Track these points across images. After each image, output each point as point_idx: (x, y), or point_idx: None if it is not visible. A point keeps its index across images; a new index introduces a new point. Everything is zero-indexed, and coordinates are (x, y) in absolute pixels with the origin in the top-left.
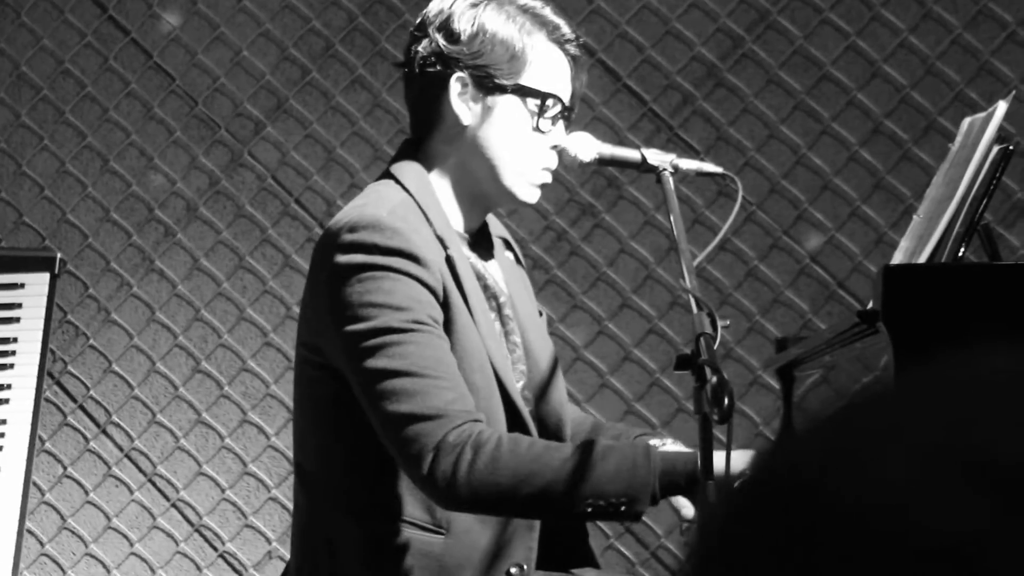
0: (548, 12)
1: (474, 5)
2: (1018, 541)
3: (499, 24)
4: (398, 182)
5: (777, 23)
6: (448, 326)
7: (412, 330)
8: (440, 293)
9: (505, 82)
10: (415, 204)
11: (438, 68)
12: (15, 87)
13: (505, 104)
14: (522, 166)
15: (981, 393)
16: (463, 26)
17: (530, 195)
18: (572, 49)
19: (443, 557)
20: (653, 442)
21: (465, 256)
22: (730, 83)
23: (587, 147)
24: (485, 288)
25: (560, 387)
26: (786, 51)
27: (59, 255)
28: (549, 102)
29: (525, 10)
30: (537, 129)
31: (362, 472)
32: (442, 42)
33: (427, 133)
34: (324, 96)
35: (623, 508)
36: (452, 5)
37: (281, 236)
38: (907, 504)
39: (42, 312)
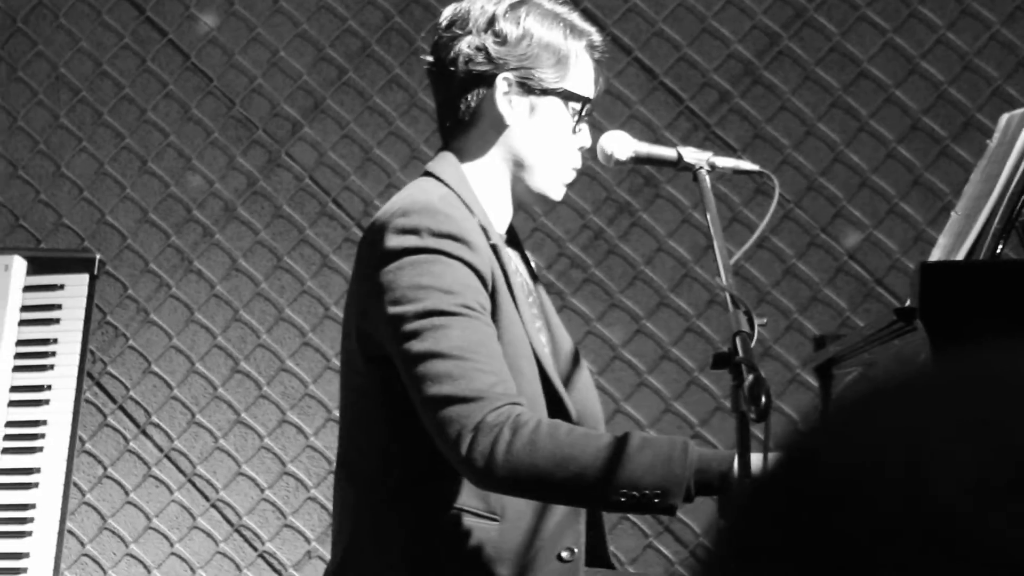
0: (580, 20)
1: (515, 7)
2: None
3: (544, 29)
4: (437, 178)
5: (814, 20)
6: (495, 313)
7: (458, 314)
8: (488, 280)
9: (552, 85)
10: (457, 197)
11: (485, 67)
12: (53, 89)
13: (548, 105)
14: (558, 166)
15: (1007, 386)
16: (509, 28)
17: (560, 194)
18: (599, 56)
19: (498, 543)
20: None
21: (506, 248)
22: (767, 80)
23: (624, 145)
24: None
25: (590, 385)
26: (823, 48)
27: (98, 256)
28: (585, 108)
29: (562, 17)
30: (573, 131)
31: (415, 463)
32: (489, 42)
33: (462, 131)
34: (361, 96)
35: (656, 500)
36: (494, 7)
37: (319, 236)
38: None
39: (81, 313)
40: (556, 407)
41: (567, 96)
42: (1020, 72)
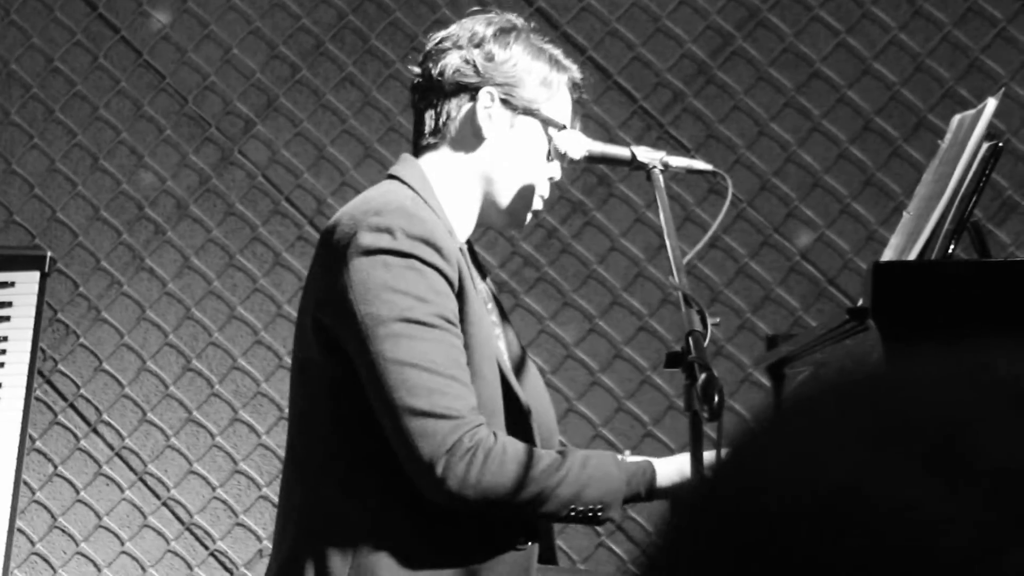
0: (563, 56)
1: (505, 32)
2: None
3: (530, 57)
4: (402, 182)
5: (767, 20)
6: (462, 313)
7: (433, 325)
8: (456, 285)
9: (532, 106)
10: (423, 201)
11: (471, 79)
12: (5, 85)
13: (527, 126)
14: (528, 188)
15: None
16: (498, 50)
17: (523, 223)
18: (578, 95)
19: (452, 534)
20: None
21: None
22: (720, 80)
23: (577, 144)
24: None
25: (541, 387)
26: (776, 48)
27: (49, 254)
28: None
29: (548, 51)
30: (548, 157)
31: (366, 457)
32: (479, 58)
33: (438, 141)
34: (314, 94)
35: (600, 514)
36: (484, 30)
37: (271, 234)
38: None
39: (32, 311)
40: (514, 409)
41: (546, 121)
42: (972, 73)
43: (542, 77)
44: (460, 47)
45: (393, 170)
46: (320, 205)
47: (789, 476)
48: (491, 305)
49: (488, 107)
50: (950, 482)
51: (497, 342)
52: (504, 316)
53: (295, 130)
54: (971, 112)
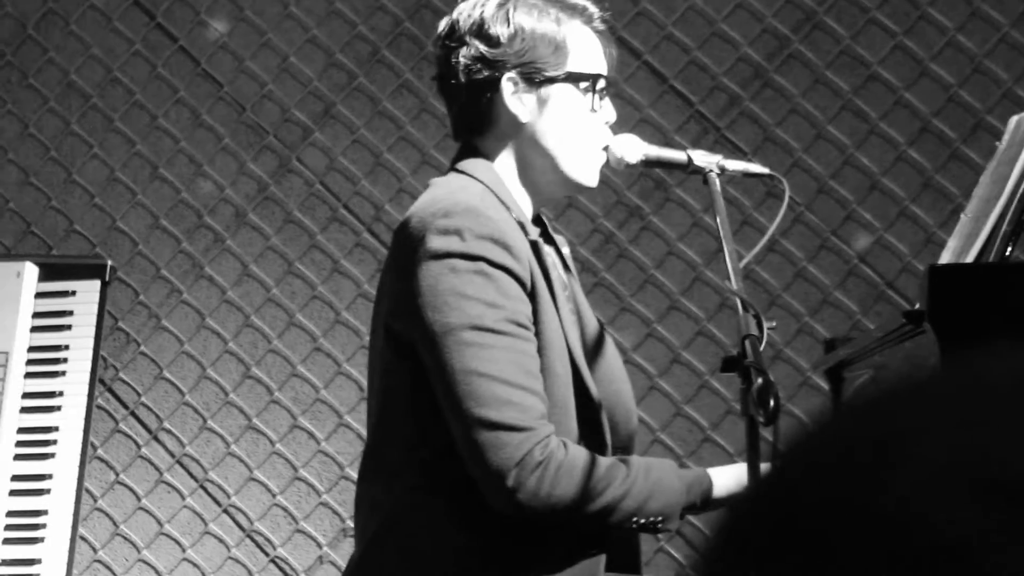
0: None
1: (502, 5)
2: (1014, 548)
3: (534, 21)
4: (470, 175)
5: (823, 23)
6: (534, 312)
7: (504, 332)
8: (528, 284)
9: (555, 72)
10: (493, 194)
11: (485, 73)
12: (65, 95)
13: (558, 93)
14: (584, 148)
15: (997, 403)
16: (499, 29)
17: (594, 178)
18: (600, 26)
19: (529, 542)
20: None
21: (543, 243)
22: (777, 83)
23: (633, 149)
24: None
25: (619, 368)
26: (833, 51)
27: (109, 262)
28: (599, 82)
29: (548, 4)
30: (592, 109)
31: (442, 458)
32: (483, 48)
33: (479, 136)
34: (371, 101)
35: (659, 525)
36: (482, 10)
37: (329, 241)
38: (914, 512)
39: (93, 319)
40: (585, 405)
41: (574, 78)
42: None
43: (552, 40)
44: (464, 42)
45: (460, 164)
46: (378, 212)
47: (845, 490)
48: (567, 290)
49: (514, 92)
50: (994, 510)
51: (573, 329)
52: (575, 300)
53: (352, 137)
54: None
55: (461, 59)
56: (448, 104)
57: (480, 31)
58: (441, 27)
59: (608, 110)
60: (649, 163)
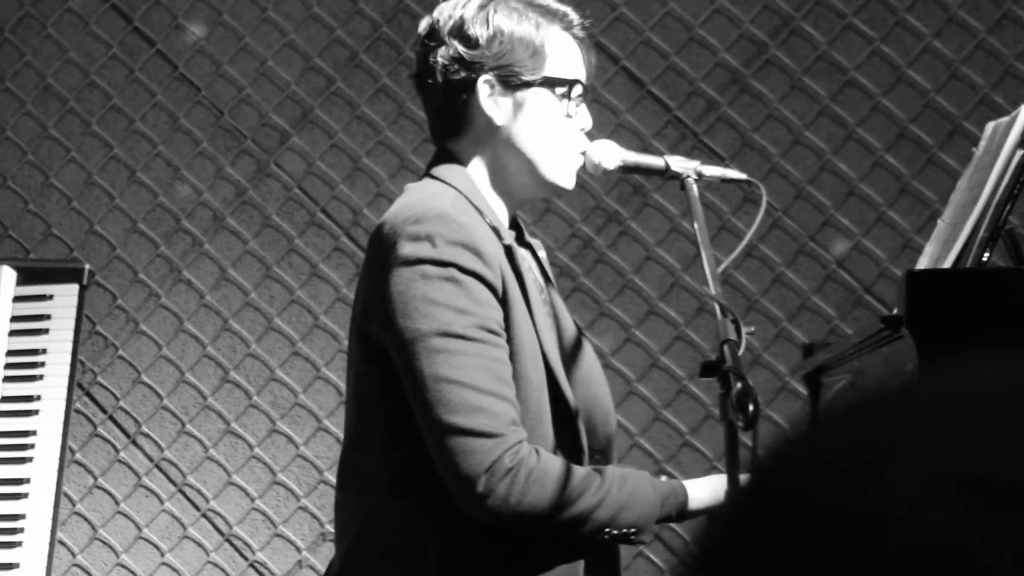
0: (552, 1)
1: (483, 7)
2: (1002, 551)
3: (513, 24)
4: (443, 181)
5: (801, 29)
6: (507, 319)
7: (474, 339)
8: (500, 290)
9: (531, 77)
10: (466, 200)
11: (463, 74)
12: (41, 99)
13: (534, 97)
14: (560, 153)
15: (979, 407)
16: (478, 31)
17: (569, 180)
18: (580, 33)
19: (508, 548)
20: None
21: (517, 247)
22: (754, 89)
23: (611, 154)
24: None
25: (596, 373)
26: (810, 56)
27: (87, 266)
28: (576, 88)
29: (532, 4)
30: (568, 115)
31: (416, 463)
32: (461, 48)
33: (454, 137)
34: (349, 105)
35: (632, 536)
36: (462, 11)
37: (308, 245)
38: (899, 515)
39: (71, 323)
40: (561, 411)
41: (551, 83)
42: (1006, 80)
43: (530, 44)
44: (443, 42)
45: (434, 170)
46: (356, 216)
47: (824, 495)
48: (544, 294)
49: (490, 95)
50: (979, 511)
51: (549, 334)
52: (553, 304)
53: (330, 142)
54: (1005, 119)
55: (439, 59)
56: (425, 104)
57: (459, 32)
58: (421, 27)
59: (584, 116)
60: (627, 169)
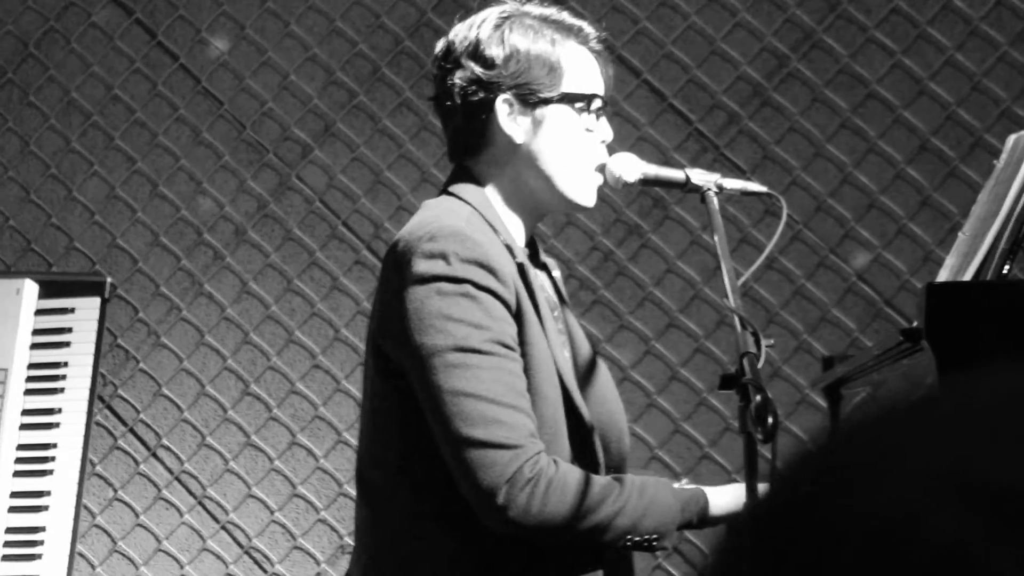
0: (567, 16)
1: (498, 27)
2: (1006, 555)
3: (529, 42)
4: (459, 198)
5: (822, 42)
6: (521, 335)
7: (490, 353)
8: (514, 307)
9: (550, 94)
10: (481, 217)
11: (481, 95)
12: (65, 113)
13: (553, 114)
14: (580, 168)
15: (985, 415)
16: (495, 51)
17: (591, 198)
18: (597, 46)
19: (523, 560)
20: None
21: (531, 266)
22: (776, 102)
23: (632, 167)
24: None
25: (612, 393)
26: (832, 69)
27: (109, 279)
28: (595, 102)
29: (547, 20)
30: (587, 129)
31: (438, 482)
32: (479, 70)
33: (473, 156)
34: (371, 119)
35: (654, 543)
36: (477, 32)
37: (329, 259)
38: (909, 524)
39: (92, 336)
40: (576, 426)
41: (569, 99)
42: None
43: (547, 61)
44: (459, 63)
45: (451, 188)
46: (377, 229)
47: (842, 508)
48: (557, 312)
49: (509, 114)
50: (984, 514)
51: (563, 353)
52: (567, 323)
53: (352, 155)
54: None
55: (456, 80)
56: (444, 124)
57: (475, 53)
58: (438, 48)
59: (604, 129)
60: (647, 182)
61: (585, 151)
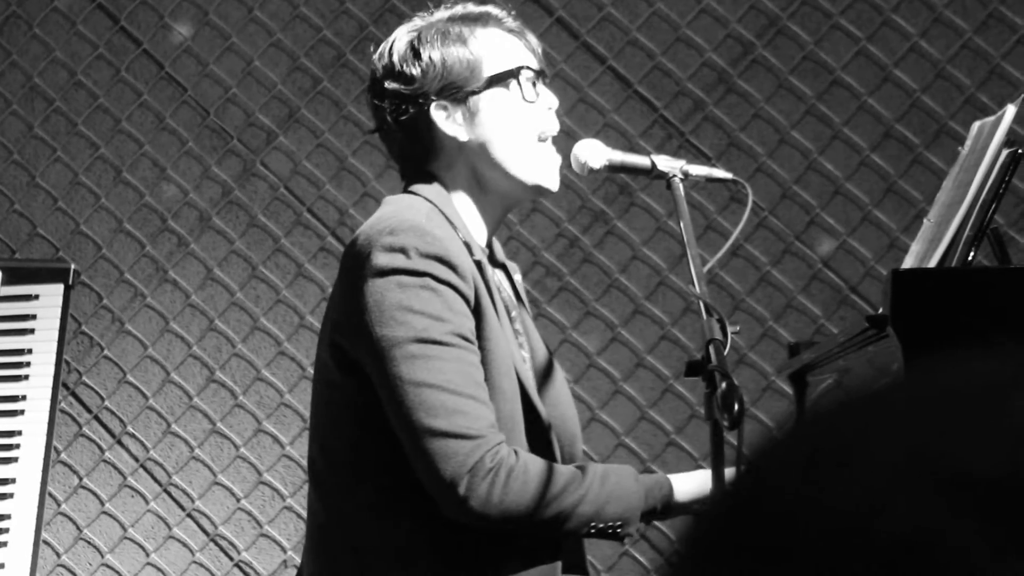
0: (472, 7)
1: (410, 43)
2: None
3: (441, 47)
4: (419, 195)
5: (787, 28)
6: (479, 330)
7: (451, 344)
8: (472, 302)
9: (476, 85)
10: (440, 213)
11: (412, 111)
12: (28, 99)
13: (486, 100)
14: (534, 147)
15: (955, 404)
16: (411, 68)
17: (550, 178)
18: (510, 24)
19: (481, 551)
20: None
21: (488, 265)
22: (741, 89)
23: (597, 154)
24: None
25: (566, 395)
26: (796, 56)
27: (73, 266)
28: (522, 74)
29: (453, 20)
30: (525, 100)
31: (394, 474)
32: (403, 89)
33: (427, 162)
34: (336, 105)
35: (618, 530)
36: (391, 55)
37: (294, 245)
38: (876, 510)
39: (56, 323)
40: (533, 422)
41: (494, 81)
42: (992, 80)
43: (463, 59)
44: (384, 90)
45: (412, 187)
46: (342, 216)
47: (808, 495)
48: (515, 312)
49: (447, 117)
50: (957, 503)
51: (519, 351)
52: (524, 324)
53: (317, 141)
54: (991, 119)
55: (386, 105)
56: (391, 151)
57: (395, 74)
58: (366, 85)
59: (546, 96)
60: (613, 168)
61: (528, 123)
